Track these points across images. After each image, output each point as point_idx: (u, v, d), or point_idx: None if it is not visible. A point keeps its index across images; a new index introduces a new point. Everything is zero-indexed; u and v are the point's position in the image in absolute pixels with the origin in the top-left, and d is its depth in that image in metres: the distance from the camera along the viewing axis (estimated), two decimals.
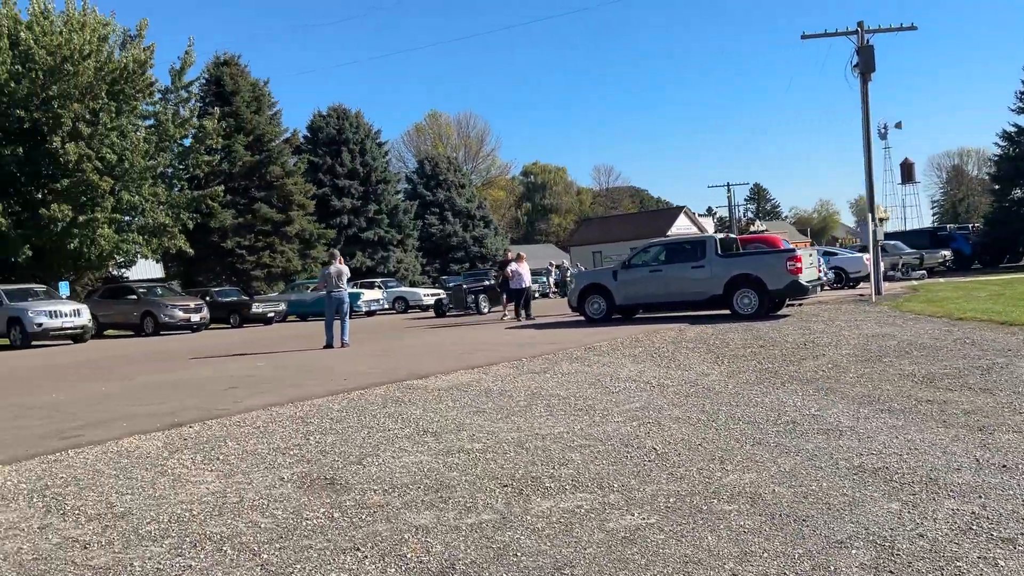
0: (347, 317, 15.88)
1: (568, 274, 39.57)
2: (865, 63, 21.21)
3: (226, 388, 10.61)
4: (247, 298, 30.78)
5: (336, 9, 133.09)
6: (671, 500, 4.86)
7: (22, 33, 28.72)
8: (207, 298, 28.40)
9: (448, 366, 11.34)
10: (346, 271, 16.02)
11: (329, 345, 15.65)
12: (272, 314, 29.17)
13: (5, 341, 24.56)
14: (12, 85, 28.77)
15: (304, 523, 4.86)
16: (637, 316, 17.94)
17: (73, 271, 31.90)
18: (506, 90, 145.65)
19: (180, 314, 25.97)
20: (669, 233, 69.42)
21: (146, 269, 43.17)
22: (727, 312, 16.22)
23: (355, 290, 31.58)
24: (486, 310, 25.79)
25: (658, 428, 6.77)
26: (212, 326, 27.87)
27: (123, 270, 39.22)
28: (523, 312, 20.76)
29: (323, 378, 11.00)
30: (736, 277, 15.59)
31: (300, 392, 9.75)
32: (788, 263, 15.26)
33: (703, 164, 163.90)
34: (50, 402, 10.35)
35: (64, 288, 28.02)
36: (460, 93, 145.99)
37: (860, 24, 21.51)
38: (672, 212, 71.71)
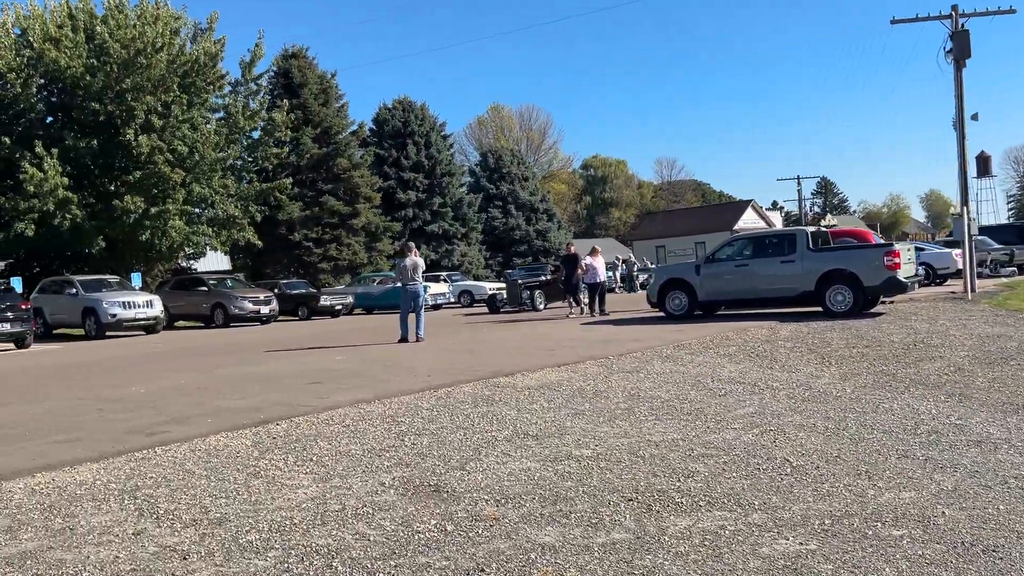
0: (422, 311, 15.56)
1: (635, 268, 38.84)
2: (960, 49, 20.16)
3: (308, 383, 10.32)
4: (315, 291, 30.77)
5: (399, 1, 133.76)
6: (826, 522, 4.32)
7: (98, 27, 29.08)
8: (275, 290, 28.43)
9: (533, 363, 10.89)
10: (421, 264, 15.69)
11: (404, 339, 15.33)
12: (340, 307, 29.09)
13: (80, 331, 24.89)
14: (88, 78, 29.15)
15: (416, 536, 4.44)
16: (719, 313, 17.27)
17: (144, 262, 32.30)
18: (567, 82, 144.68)
19: (250, 306, 26.01)
20: (735, 228, 68.03)
21: (213, 261, 43.65)
22: (816, 310, 15.47)
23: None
24: (542, 306, 24.72)
25: (783, 437, 6.22)
26: (280, 318, 27.87)
27: (191, 262, 39.71)
28: (597, 307, 20.21)
29: (406, 374, 10.64)
30: (829, 273, 14.83)
31: (385, 388, 9.39)
32: (886, 258, 14.46)
33: (767, 157, 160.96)
34: (132, 395, 10.18)
35: (136, 279, 28.32)
36: (522, 85, 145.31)
37: (954, 8, 20.45)
38: (739, 206, 70.24)
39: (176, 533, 4.71)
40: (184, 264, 38.91)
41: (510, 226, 49.65)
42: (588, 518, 4.59)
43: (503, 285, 29.87)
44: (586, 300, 20.97)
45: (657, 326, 15.59)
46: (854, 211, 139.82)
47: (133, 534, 4.73)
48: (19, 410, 9.57)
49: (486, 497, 5.06)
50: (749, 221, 70.28)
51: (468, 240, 44.94)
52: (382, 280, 32.19)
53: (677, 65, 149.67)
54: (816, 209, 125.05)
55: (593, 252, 20.78)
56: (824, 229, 17.30)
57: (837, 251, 15.76)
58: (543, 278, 26.81)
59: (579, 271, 20.34)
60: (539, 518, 4.63)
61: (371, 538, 4.45)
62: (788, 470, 5.32)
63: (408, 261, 15.51)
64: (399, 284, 15.78)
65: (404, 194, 42.24)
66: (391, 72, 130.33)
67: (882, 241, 17.89)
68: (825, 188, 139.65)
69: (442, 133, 45.89)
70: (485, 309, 27.93)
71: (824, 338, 12.02)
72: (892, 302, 17.45)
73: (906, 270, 14.90)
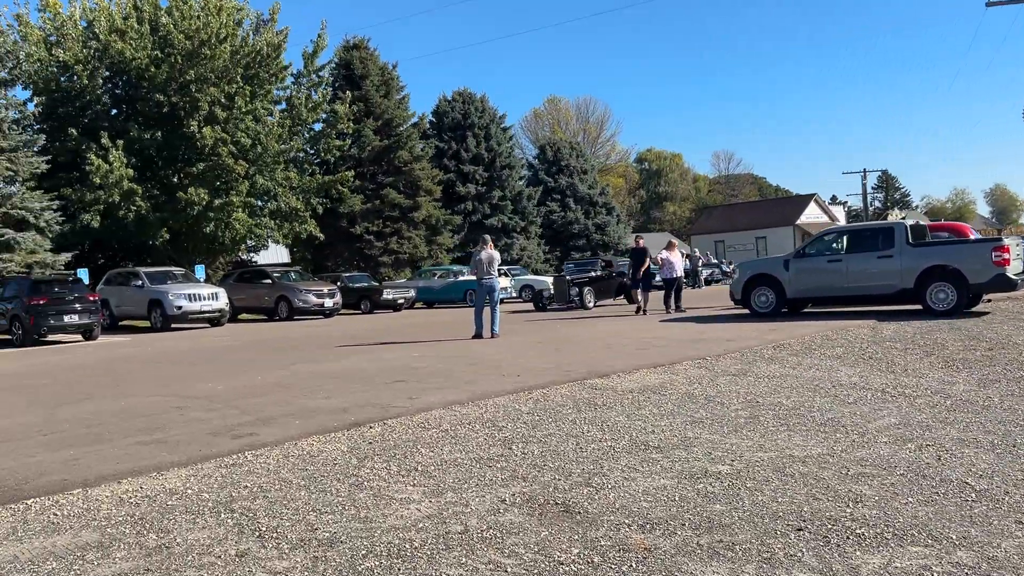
0: (498, 307, 15.00)
1: (699, 263, 37.87)
2: None
3: (391, 381, 9.82)
4: (377, 284, 30.47)
5: None
6: None
7: (162, 18, 29.09)
8: (338, 283, 28.16)
9: (627, 363, 10.25)
10: (497, 257, 15.13)
11: (478, 335, 14.81)
12: (402, 301, 28.74)
13: (145, 323, 24.87)
14: (152, 70, 29.19)
15: (560, 569, 3.86)
16: (805, 311, 16.43)
17: (207, 255, 32.34)
18: (622, 74, 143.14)
19: (314, 299, 25.76)
20: (798, 223, 66.46)
21: (272, 254, 43.71)
22: (912, 308, 14.57)
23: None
24: (591, 304, 23.08)
25: (947, 454, 5.50)
26: (342, 312, 27.60)
27: (252, 254, 39.79)
28: (672, 303, 19.45)
29: (492, 372, 10.09)
30: (930, 269, 13.90)
31: (475, 389, 8.84)
32: (994, 254, 13.49)
33: (825, 151, 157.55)
34: (210, 392, 9.79)
35: (200, 271, 28.29)
36: (579, 77, 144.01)
37: None
38: (801, 200, 68.52)
39: (284, 556, 4.21)
40: (244, 257, 39.02)
41: (568, 220, 48.88)
42: (757, 551, 3.96)
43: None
44: (641, 297, 19.91)
45: (745, 324, 14.82)
46: (916, 206, 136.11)
47: (236, 556, 4.24)
48: (97, 407, 9.23)
49: (627, 521, 4.46)
50: (812, 216, 68.57)
51: (527, 234, 44.31)
52: (443, 274, 31.77)
53: (737, 55, 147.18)
54: (877, 204, 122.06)
55: (670, 246, 20.02)
56: (922, 224, 16.31)
57: (939, 246, 14.81)
58: (593, 274, 25.26)
59: (648, 265, 19.50)
60: (698, 550, 4.01)
61: (509, 569, 3.88)
62: (973, 495, 4.63)
63: (484, 254, 14.96)
64: (475, 278, 15.22)
65: (464, 187, 41.76)
66: (443, 65, 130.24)
67: (981, 236, 16.82)
68: (886, 182, 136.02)
69: (502, 125, 45.28)
70: (524, 306, 27.04)
71: (935, 339, 11.17)
72: (989, 300, 16.45)
73: (1014, 266, 13.91)
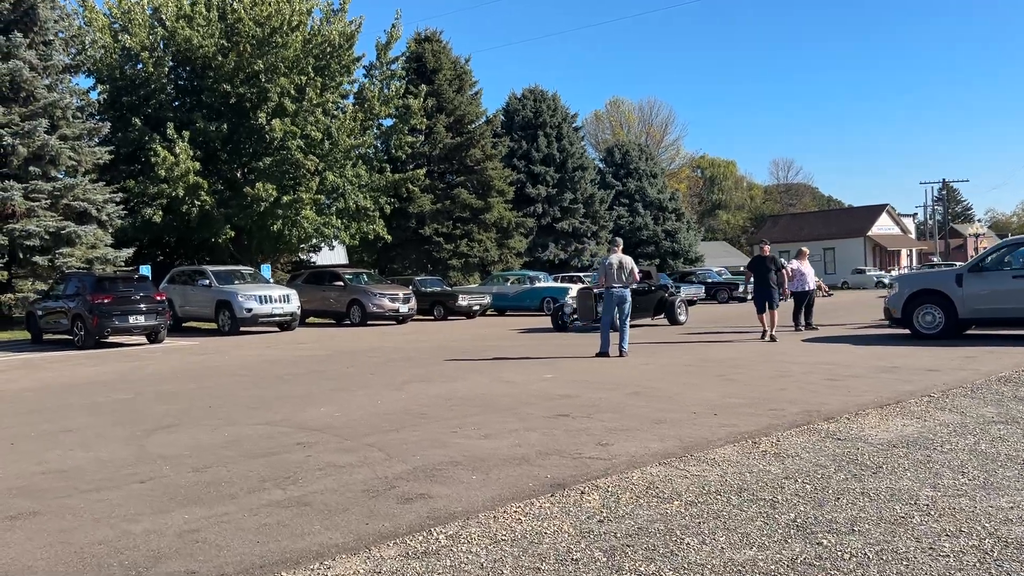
0: (627, 321, 13.06)
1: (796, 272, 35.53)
2: None
3: (552, 414, 7.94)
4: (450, 289, 28.69)
5: None
6: None
7: (232, 3, 27.66)
8: (409, 287, 26.42)
9: (842, 401, 8.29)
10: (629, 263, 13.16)
11: (604, 353, 12.89)
12: (477, 307, 26.92)
13: (210, 325, 23.35)
14: (219, 59, 27.81)
15: None
16: (968, 333, 14.28)
17: (272, 253, 30.89)
18: (680, 78, 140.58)
19: (388, 304, 24.05)
20: (870, 234, 63.69)
21: (328, 256, 42.21)
22: None
23: (560, 285, 29.00)
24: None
25: None
26: (414, 318, 25.86)
27: (311, 255, 38.33)
28: (803, 320, 17.38)
29: (674, 408, 8.15)
30: None
31: (677, 434, 6.93)
32: None
33: (881, 162, 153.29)
34: (328, 420, 7.99)
35: (266, 271, 26.76)
36: (640, 79, 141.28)
37: None
38: (873, 211, 65.74)
39: None
40: (303, 257, 37.59)
41: (637, 225, 46.73)
42: None
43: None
44: (766, 320, 16.10)
45: (920, 348, 12.72)
46: (979, 219, 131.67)
47: None
48: (196, 437, 7.48)
49: None
50: (884, 227, 65.81)
51: (598, 239, 42.27)
52: (518, 279, 29.91)
53: (796, 61, 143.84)
54: (937, 217, 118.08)
55: (800, 255, 17.95)
56: None
57: None
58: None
59: (778, 276, 15.98)
60: None
61: None
62: None
63: (614, 258, 13.04)
64: (602, 287, 13.29)
65: (534, 189, 39.80)
66: (503, 63, 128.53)
67: None
68: (948, 195, 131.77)
69: (574, 125, 43.30)
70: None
71: None
72: None
73: None
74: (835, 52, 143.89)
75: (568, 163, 41.10)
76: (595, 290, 18.00)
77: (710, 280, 35.75)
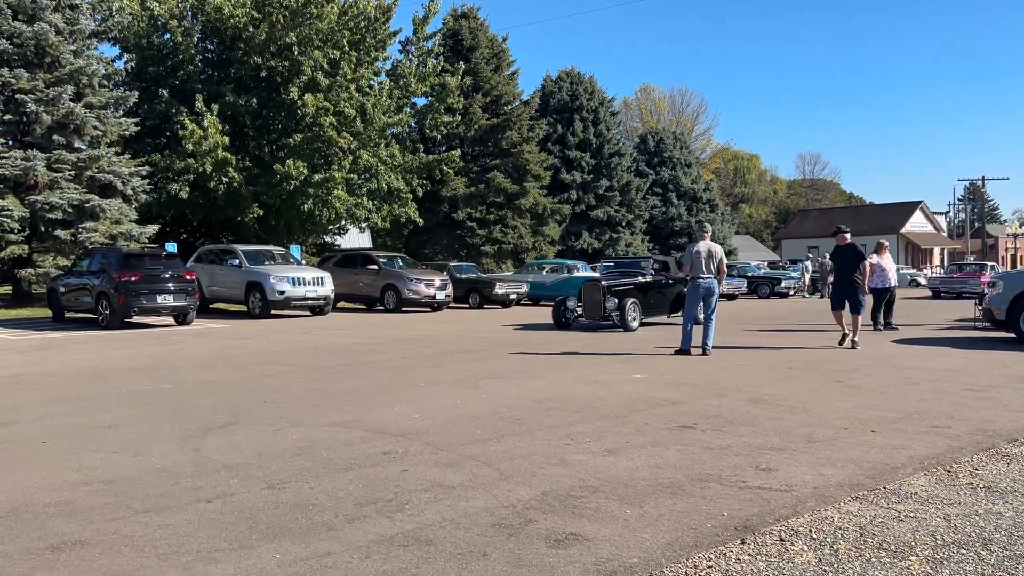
0: (713, 315, 11.84)
1: (830, 269, 34.20)
2: None
3: (673, 425, 6.76)
4: (486, 276, 27.47)
5: None
6: None
7: None
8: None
9: (1012, 418, 7.09)
10: (719, 252, 11.92)
11: (685, 350, 11.69)
12: (515, 296, 25.72)
13: (237, 307, 22.26)
14: (251, 29, 26.63)
15: None
16: None
17: (301, 234, 29.77)
18: (702, 69, 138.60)
19: (425, 290, 22.87)
20: (903, 231, 62.15)
21: (352, 239, 41.05)
22: None
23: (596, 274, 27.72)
24: (635, 324, 16.18)
25: None
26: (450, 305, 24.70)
27: (336, 237, 37.20)
28: (882, 319, 16.12)
29: (816, 420, 6.94)
30: None
31: (848, 457, 5.73)
32: None
33: (905, 161, 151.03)
34: (408, 423, 6.83)
35: (296, 252, 25.63)
36: (670, 67, 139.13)
37: None
38: (906, 207, 64.20)
39: None
40: (329, 240, 36.46)
41: (670, 215, 45.31)
42: None
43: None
44: (849, 323, 13.72)
45: None
46: (1005, 220, 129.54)
47: None
48: (259, 439, 6.34)
49: None
50: (917, 225, 64.29)
51: (632, 228, 40.93)
52: (554, 268, 28.69)
53: (827, 56, 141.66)
54: (963, 216, 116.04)
55: (880, 249, 16.64)
56: None
57: None
58: (640, 279, 17.59)
59: (863, 271, 13.28)
60: None
61: None
62: None
63: (702, 246, 11.81)
64: (687, 276, 12.05)
65: (568, 175, 38.42)
66: (531, 45, 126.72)
67: None
68: (974, 194, 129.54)
69: (611, 109, 41.87)
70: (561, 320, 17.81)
71: None
72: None
73: None
74: (870, 48, 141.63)
75: (604, 149, 39.69)
76: (605, 282, 16.61)
77: (750, 274, 34.46)
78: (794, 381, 9.17)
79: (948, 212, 77.15)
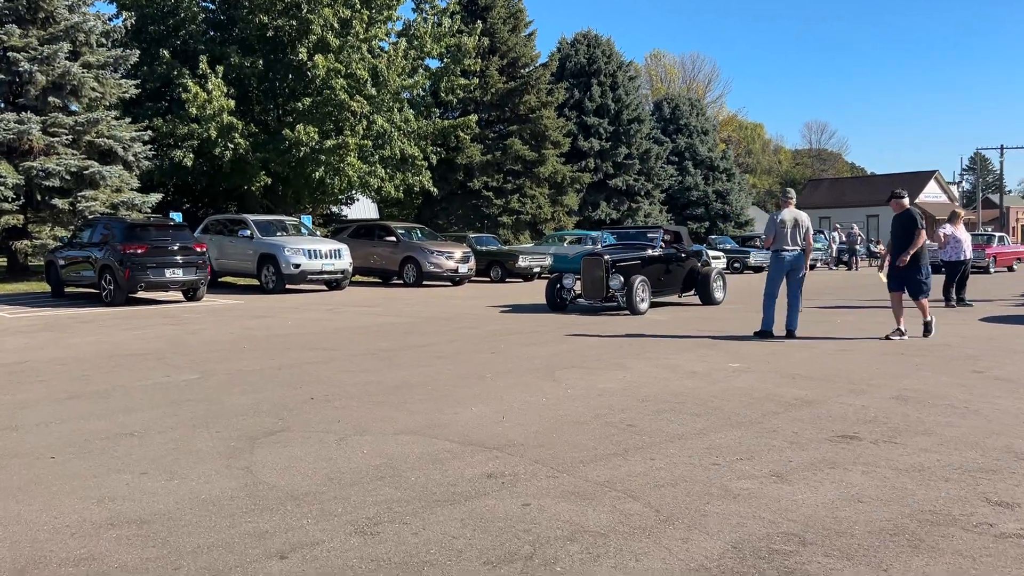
0: (800, 291, 10.53)
1: (858, 242, 32.90)
2: None
3: (830, 436, 5.47)
4: (507, 248, 26.12)
5: None
6: None
7: None
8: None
9: None
10: (806, 221, 10.59)
11: (767, 332, 10.41)
12: (538, 269, 24.40)
13: (248, 281, 20.95)
14: None
15: None
16: None
17: (311, 203, 28.36)
18: (709, 36, 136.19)
19: (447, 263, 21.54)
20: (918, 201, 60.73)
21: (359, 209, 39.62)
22: None
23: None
24: (644, 305, 13.79)
25: None
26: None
27: (343, 208, 35.82)
28: (955, 295, 14.84)
29: (1004, 428, 5.67)
30: None
31: None
32: None
33: (909, 131, 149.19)
34: (500, 433, 5.55)
35: (307, 222, 24.27)
36: (680, 32, 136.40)
37: None
38: (921, 177, 62.72)
39: None
40: (336, 210, 35.11)
41: (687, 185, 43.76)
42: None
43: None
44: (895, 309, 11.02)
45: None
46: (1010, 191, 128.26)
47: None
48: (326, 456, 5.05)
49: None
50: (931, 195, 62.87)
51: (651, 198, 39.45)
52: (576, 239, 27.36)
53: (839, 24, 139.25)
54: (966, 186, 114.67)
55: (954, 219, 15.26)
56: None
57: None
58: (647, 254, 14.85)
59: (926, 242, 10.48)
60: None
61: None
62: None
63: (787, 215, 10.48)
64: (769, 248, 10.73)
65: (586, 142, 36.80)
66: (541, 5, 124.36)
67: None
68: (980, 164, 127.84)
69: (629, 74, 40.19)
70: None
71: None
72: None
73: None
74: (882, 19, 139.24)
75: (623, 115, 38.05)
76: (608, 256, 14.08)
77: None
78: (924, 372, 7.89)
79: (960, 182, 75.55)
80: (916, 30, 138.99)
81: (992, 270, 28.60)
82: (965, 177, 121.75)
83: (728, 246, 31.00)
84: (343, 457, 5.09)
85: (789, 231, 10.35)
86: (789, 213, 10.43)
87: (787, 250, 10.37)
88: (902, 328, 10.22)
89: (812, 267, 32.48)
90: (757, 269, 30.33)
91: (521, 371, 8.07)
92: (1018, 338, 10.43)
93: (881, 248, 38.43)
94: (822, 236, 37.87)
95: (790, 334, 10.35)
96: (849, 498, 4.23)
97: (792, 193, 10.78)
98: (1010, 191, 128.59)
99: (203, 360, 9.03)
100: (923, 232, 10.06)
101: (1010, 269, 30.27)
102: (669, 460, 4.95)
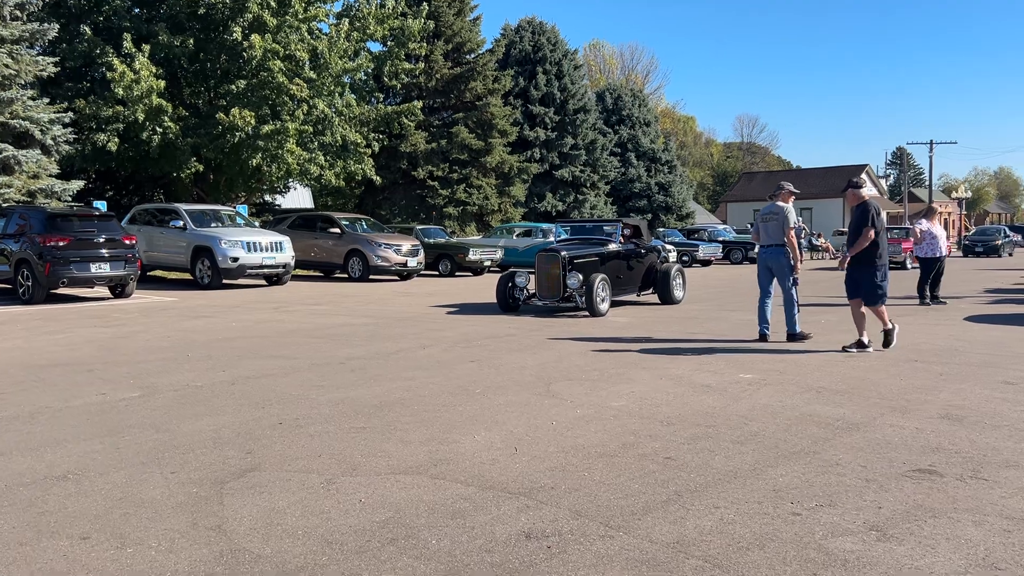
0: (789, 291, 9.78)
1: (805, 235, 32.78)
2: None
3: (906, 470, 4.70)
4: (456, 241, 25.10)
5: None
6: None
7: None
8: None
9: None
10: (782, 213, 9.77)
11: (763, 336, 9.73)
12: (488, 263, 23.49)
13: (180, 275, 19.56)
14: None
15: None
16: None
17: (245, 192, 26.87)
18: (634, 26, 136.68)
19: (395, 257, 20.46)
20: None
21: (292, 199, 38.02)
22: None
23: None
24: (604, 305, 12.75)
25: None
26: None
27: (277, 197, 34.25)
28: (928, 293, 14.42)
29: None
30: None
31: None
32: None
33: (836, 126, 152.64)
34: (523, 472, 4.66)
35: (243, 212, 22.86)
36: (619, 23, 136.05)
37: None
38: (853, 171, 63.69)
39: None
40: (269, 199, 33.52)
41: (629, 177, 43.18)
42: None
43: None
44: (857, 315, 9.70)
45: None
46: (927, 186, 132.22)
47: None
48: (314, 506, 4.06)
49: None
50: (864, 188, 63.88)
51: (597, 190, 38.76)
52: (526, 232, 26.52)
53: (760, 19, 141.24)
54: (890, 181, 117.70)
55: (930, 214, 14.84)
56: None
57: None
58: (606, 250, 13.79)
59: (884, 240, 9.22)
60: None
61: None
62: None
63: (765, 208, 9.88)
64: (761, 243, 9.97)
65: (532, 132, 35.86)
66: None
67: None
68: (901, 159, 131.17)
69: (575, 63, 39.36)
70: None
71: None
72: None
73: None
74: (811, 14, 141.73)
75: (569, 104, 37.21)
76: (565, 252, 12.92)
77: (721, 238, 32.89)
78: (952, 383, 7.22)
79: (887, 176, 77.22)
80: (843, 28, 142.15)
81: (909, 266, 26.36)
82: (888, 172, 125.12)
83: (676, 239, 30.52)
84: (337, 509, 4.12)
85: (762, 225, 9.76)
86: (769, 207, 9.81)
87: (762, 246, 9.78)
88: (864, 340, 8.94)
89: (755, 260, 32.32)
90: (705, 263, 29.97)
91: (513, 385, 7.16)
92: (1016, 342, 9.93)
93: (823, 241, 38.56)
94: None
95: (790, 337, 9.66)
96: (981, 564, 3.44)
97: (786, 186, 10.10)
98: (926, 185, 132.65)
99: (142, 372, 7.88)
100: (873, 230, 8.76)
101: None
102: (737, 509, 4.11)
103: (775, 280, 9.84)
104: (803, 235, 32.65)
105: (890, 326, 9.11)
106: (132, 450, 5.17)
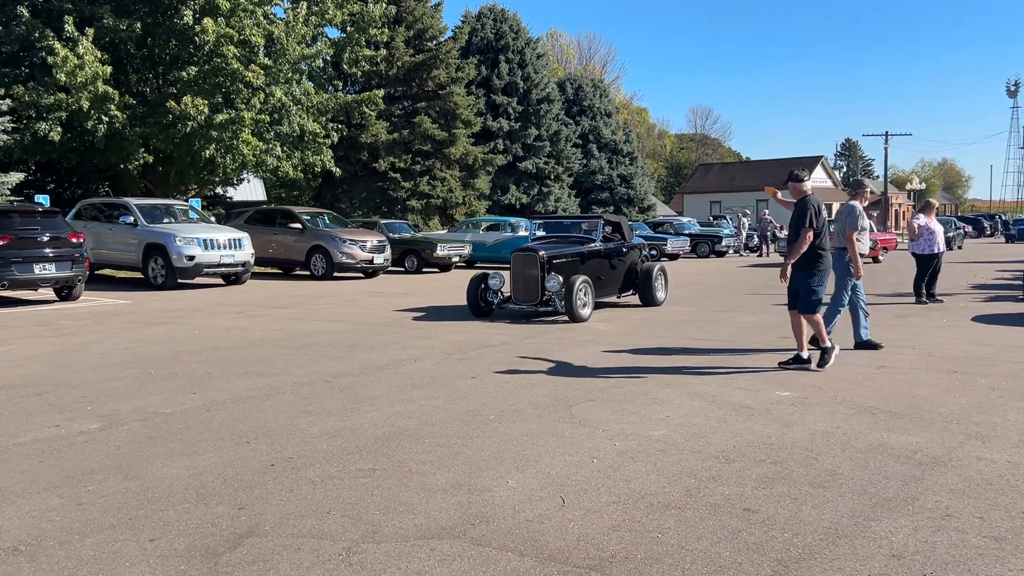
0: (839, 294, 9.05)
1: (769, 228, 32.45)
2: None
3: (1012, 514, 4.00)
4: (422, 236, 24.13)
5: None
6: None
7: None
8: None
9: None
10: (863, 217, 9.23)
11: (865, 344, 9.01)
12: (456, 258, 22.59)
13: (131, 275, 18.35)
14: None
15: None
16: None
17: (197, 185, 25.59)
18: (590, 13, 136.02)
19: (361, 253, 19.46)
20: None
21: (244, 192, 36.61)
22: None
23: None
24: (587, 310, 11.81)
25: None
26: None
27: (230, 189, 32.91)
28: (924, 291, 13.90)
29: None
30: None
31: None
32: None
33: (789, 115, 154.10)
34: (581, 536, 3.79)
35: (196, 205, 21.64)
36: (577, 10, 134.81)
37: None
38: (808, 163, 63.95)
39: None
40: (221, 192, 32.17)
41: (591, 168, 42.45)
42: None
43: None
44: (802, 325, 9.33)
45: None
46: (877, 176, 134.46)
47: None
48: None
49: None
50: (817, 179, 64.20)
51: (561, 182, 37.97)
52: (494, 226, 25.65)
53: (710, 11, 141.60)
54: (839, 174, 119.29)
55: (927, 208, 14.23)
56: None
57: None
58: (587, 249, 12.82)
59: (825, 242, 8.39)
60: None
61: None
62: None
63: (852, 207, 9.22)
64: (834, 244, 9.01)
65: (495, 122, 34.92)
66: None
67: None
68: (850, 150, 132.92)
69: (537, 51, 38.46)
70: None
71: None
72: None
73: None
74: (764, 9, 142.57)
75: (532, 94, 36.30)
76: (543, 252, 11.95)
77: (687, 231, 32.41)
78: (1009, 400, 6.59)
79: (841, 168, 77.92)
80: (799, 21, 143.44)
81: (881, 258, 25.94)
82: (839, 163, 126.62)
83: (645, 232, 29.91)
84: None
85: (834, 226, 9.13)
86: (860, 208, 9.27)
87: (834, 247, 8.99)
88: (804, 355, 7.89)
89: (723, 254, 31.92)
90: (673, 256, 29.45)
91: (530, 408, 6.35)
92: None
93: (785, 233, 38.38)
94: (726, 221, 37.52)
95: (864, 343, 9.04)
96: None
97: (866, 183, 9.57)
98: (877, 176, 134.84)
99: (100, 395, 6.89)
100: (811, 232, 7.73)
101: (876, 260, 25.74)
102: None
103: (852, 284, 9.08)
104: (769, 228, 32.33)
105: (828, 344, 7.93)
106: (98, 507, 4.25)
